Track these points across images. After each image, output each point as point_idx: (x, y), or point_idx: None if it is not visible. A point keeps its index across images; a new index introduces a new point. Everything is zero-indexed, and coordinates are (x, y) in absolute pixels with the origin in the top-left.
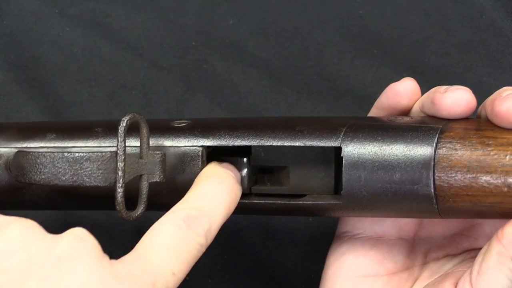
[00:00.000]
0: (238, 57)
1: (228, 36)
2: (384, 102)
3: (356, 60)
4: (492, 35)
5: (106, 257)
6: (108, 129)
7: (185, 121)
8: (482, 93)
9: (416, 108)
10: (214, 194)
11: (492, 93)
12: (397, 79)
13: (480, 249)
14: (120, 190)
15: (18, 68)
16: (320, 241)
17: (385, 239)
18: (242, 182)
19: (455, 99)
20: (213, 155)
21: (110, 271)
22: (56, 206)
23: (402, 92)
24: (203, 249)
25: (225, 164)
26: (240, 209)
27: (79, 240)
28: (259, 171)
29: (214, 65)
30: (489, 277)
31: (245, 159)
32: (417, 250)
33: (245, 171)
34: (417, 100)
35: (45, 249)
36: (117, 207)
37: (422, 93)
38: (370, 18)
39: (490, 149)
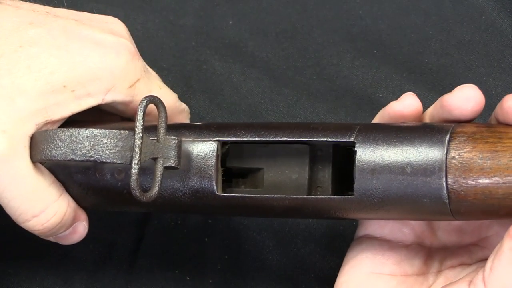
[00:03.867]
0: (238, 57)
1: (228, 36)
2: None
3: (356, 60)
4: (492, 35)
5: None
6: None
7: (201, 122)
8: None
9: (425, 119)
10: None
11: (492, 93)
12: (397, 79)
13: None
14: (135, 167)
15: None
16: (320, 242)
17: (404, 244)
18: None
19: (464, 96)
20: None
21: None
22: None
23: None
24: None
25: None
26: (251, 208)
27: None
28: (234, 175)
29: (214, 66)
30: (501, 273)
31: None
32: (434, 258)
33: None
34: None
35: None
36: (132, 184)
37: (422, 93)
38: (370, 18)
39: (501, 141)
